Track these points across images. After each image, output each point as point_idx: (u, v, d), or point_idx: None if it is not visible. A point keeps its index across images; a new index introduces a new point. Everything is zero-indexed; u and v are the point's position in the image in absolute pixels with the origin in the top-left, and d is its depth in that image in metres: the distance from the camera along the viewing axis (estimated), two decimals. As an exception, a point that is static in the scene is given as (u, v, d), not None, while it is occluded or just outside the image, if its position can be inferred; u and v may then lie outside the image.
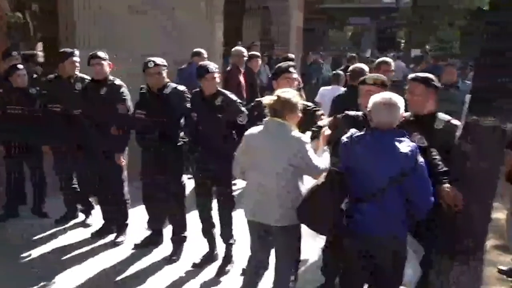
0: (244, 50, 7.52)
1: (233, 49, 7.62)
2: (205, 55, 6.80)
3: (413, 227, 2.92)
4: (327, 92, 7.02)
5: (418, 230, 2.96)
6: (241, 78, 7.12)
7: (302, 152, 3.12)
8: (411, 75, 3.43)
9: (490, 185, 2.98)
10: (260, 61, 7.94)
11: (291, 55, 8.89)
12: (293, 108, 3.21)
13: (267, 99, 3.29)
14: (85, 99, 4.85)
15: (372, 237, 2.83)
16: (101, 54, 4.79)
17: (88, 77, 5.01)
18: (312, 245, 4.41)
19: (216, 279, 4.26)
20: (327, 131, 3.38)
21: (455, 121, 3.24)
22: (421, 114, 3.18)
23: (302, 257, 4.20)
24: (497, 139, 2.85)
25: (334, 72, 8.18)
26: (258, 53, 8.04)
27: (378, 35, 27.29)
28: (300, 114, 3.28)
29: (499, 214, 6.33)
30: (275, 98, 3.22)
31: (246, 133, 3.38)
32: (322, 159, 3.24)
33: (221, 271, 4.31)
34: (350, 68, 5.00)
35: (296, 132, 3.19)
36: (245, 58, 7.39)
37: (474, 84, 3.07)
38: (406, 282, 3.02)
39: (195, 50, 6.87)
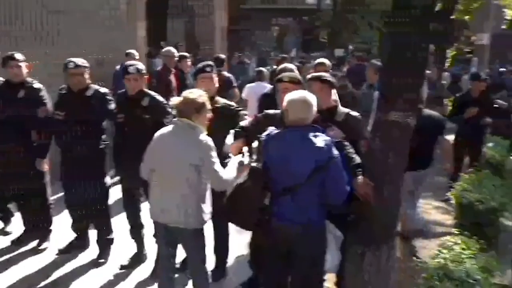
0: (174, 50, 7.58)
1: (163, 50, 7.70)
2: (135, 56, 6.85)
3: (331, 214, 3.10)
4: (252, 88, 7.38)
5: (336, 217, 3.14)
6: (172, 79, 7.16)
7: (205, 156, 3.17)
8: (308, 75, 3.68)
9: (398, 177, 3.22)
10: (189, 62, 7.99)
11: (222, 56, 9.01)
12: (199, 108, 3.23)
13: (174, 100, 3.32)
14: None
15: (292, 228, 2.96)
16: (18, 55, 4.62)
17: (1, 79, 4.80)
18: (239, 240, 4.53)
19: (143, 280, 4.26)
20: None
21: (354, 113, 3.53)
22: (322, 109, 3.37)
23: (230, 252, 4.33)
24: (402, 133, 3.09)
25: (256, 69, 8.48)
26: (187, 54, 8.13)
27: (302, 36, 28.01)
28: (208, 115, 3.32)
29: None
30: (181, 98, 3.25)
31: (156, 133, 3.40)
32: (228, 170, 3.29)
33: (155, 273, 4.27)
34: (279, 67, 5.17)
35: (203, 136, 3.22)
36: (176, 59, 7.45)
37: (380, 82, 3.32)
38: (327, 267, 3.17)
39: (127, 51, 6.89)
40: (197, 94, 3.29)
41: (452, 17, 12.62)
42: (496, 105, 7.44)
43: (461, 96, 7.14)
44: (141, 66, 4.33)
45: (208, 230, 3.66)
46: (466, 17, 12.21)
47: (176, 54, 7.52)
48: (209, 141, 3.22)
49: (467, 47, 14.28)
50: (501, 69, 13.68)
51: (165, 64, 7.37)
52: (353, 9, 19.79)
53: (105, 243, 4.64)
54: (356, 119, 3.48)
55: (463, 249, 3.70)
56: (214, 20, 12.58)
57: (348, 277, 3.34)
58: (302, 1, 28.19)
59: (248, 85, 7.79)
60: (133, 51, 6.96)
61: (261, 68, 8.17)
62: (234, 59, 13.59)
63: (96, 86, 4.49)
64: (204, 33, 12.63)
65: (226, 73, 7.91)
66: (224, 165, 3.59)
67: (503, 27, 12.09)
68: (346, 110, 3.54)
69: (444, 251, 3.77)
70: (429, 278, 3.29)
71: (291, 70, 4.71)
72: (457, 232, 4.22)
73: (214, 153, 3.21)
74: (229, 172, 3.29)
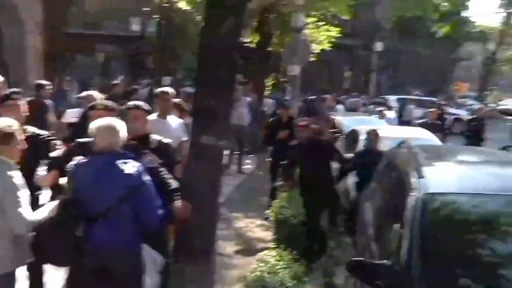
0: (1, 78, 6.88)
1: None
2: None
3: (149, 237, 3.11)
4: (74, 114, 7.05)
5: (155, 240, 3.18)
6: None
7: (9, 195, 2.89)
8: (128, 104, 3.77)
9: (213, 197, 3.40)
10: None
11: (42, 82, 8.49)
12: (6, 139, 2.98)
13: None
14: None
15: (107, 253, 2.93)
16: None
17: None
18: (56, 277, 4.24)
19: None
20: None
21: (166, 140, 3.70)
22: (137, 136, 3.43)
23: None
24: (214, 156, 3.28)
25: (78, 95, 8.33)
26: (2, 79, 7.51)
27: (128, 62, 27.63)
28: (20, 146, 3.09)
29: (239, 223, 7.15)
30: None
31: None
32: (38, 211, 3.04)
33: None
34: (84, 94, 5.12)
35: (10, 172, 2.94)
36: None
37: (193, 107, 3.50)
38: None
39: None
40: (4, 123, 3.02)
41: (269, 49, 13.75)
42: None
43: (272, 121, 7.96)
44: None
45: (21, 271, 3.38)
46: (281, 50, 13.33)
47: (1, 80, 6.88)
48: (16, 178, 2.97)
49: (283, 77, 15.65)
50: (311, 97, 15.76)
51: None
52: (174, 36, 20.24)
53: None
54: (168, 145, 3.66)
55: (277, 260, 4.00)
56: (26, 43, 11.81)
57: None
58: (127, 28, 27.88)
59: (70, 110, 7.49)
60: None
61: (82, 95, 7.96)
62: (54, 85, 12.83)
63: None
64: (14, 57, 11.75)
65: (42, 100, 7.51)
66: (35, 197, 3.36)
67: (312, 59, 13.53)
68: (158, 137, 3.69)
69: (262, 264, 4.04)
70: (247, 291, 3.50)
71: (93, 96, 4.72)
72: (273, 246, 4.55)
73: (20, 192, 2.95)
74: (38, 214, 3.01)
